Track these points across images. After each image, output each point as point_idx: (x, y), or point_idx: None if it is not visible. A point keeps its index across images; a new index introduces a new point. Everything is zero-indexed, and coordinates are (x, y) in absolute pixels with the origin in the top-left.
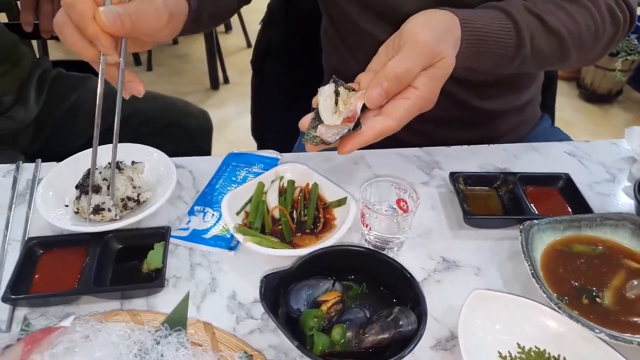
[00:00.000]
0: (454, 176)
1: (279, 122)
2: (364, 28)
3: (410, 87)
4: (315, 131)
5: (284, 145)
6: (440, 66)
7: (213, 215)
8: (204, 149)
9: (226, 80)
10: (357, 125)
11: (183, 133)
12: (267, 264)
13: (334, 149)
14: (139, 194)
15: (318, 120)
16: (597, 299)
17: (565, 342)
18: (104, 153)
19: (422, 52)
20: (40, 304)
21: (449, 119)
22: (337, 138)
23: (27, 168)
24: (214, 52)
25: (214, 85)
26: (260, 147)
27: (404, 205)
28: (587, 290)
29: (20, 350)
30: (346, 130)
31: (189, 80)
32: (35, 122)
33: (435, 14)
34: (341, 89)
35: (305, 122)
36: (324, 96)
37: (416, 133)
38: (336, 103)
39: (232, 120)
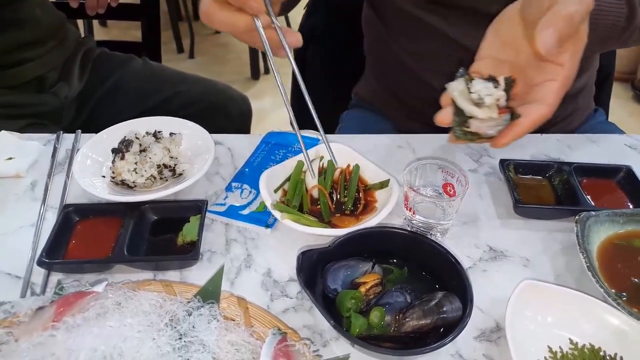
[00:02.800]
0: (504, 163)
1: (319, 108)
2: (409, 12)
3: (555, 64)
4: (468, 127)
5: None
6: (575, 42)
7: (250, 192)
8: (243, 133)
9: (267, 71)
10: (513, 115)
11: (223, 116)
12: (304, 242)
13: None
14: (175, 164)
15: (462, 115)
16: None
17: (623, 341)
18: (144, 124)
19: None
20: (74, 270)
21: None
22: (498, 130)
23: (67, 138)
24: None
25: (255, 75)
26: None
27: (450, 190)
28: None
29: (52, 312)
30: (505, 122)
31: (230, 70)
32: (77, 100)
33: None
34: (476, 82)
35: (444, 118)
36: (458, 92)
37: None
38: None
39: (271, 110)
